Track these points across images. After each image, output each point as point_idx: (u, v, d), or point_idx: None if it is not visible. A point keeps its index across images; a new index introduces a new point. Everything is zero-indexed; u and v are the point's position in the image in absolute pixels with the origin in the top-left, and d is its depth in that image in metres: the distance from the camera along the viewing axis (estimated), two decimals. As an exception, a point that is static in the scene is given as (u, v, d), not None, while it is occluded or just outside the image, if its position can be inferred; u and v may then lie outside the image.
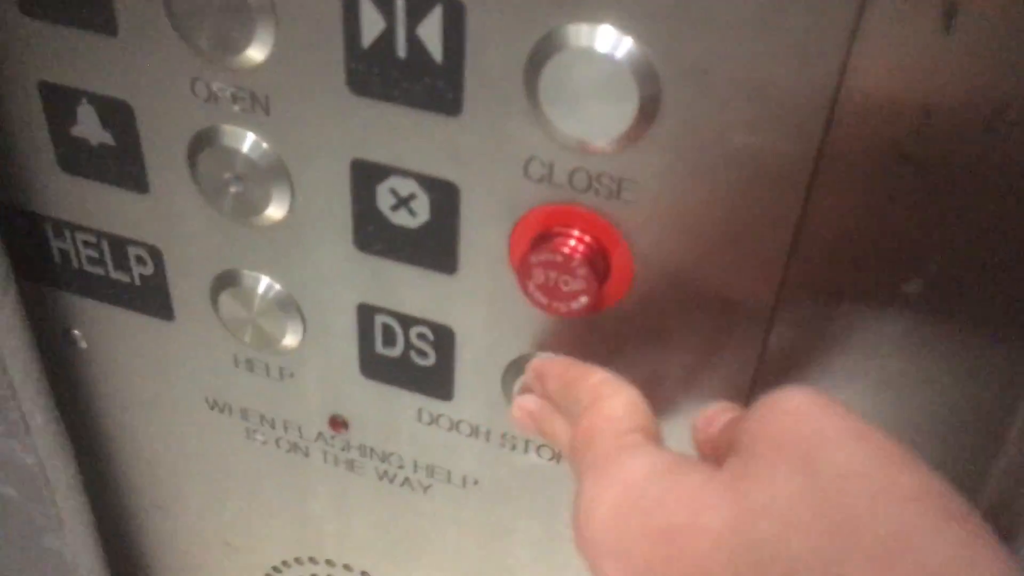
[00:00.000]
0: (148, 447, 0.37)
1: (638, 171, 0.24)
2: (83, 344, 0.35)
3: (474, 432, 0.31)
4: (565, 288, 0.25)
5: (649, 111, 0.22)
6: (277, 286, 0.30)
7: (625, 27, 0.22)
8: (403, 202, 0.26)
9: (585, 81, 0.22)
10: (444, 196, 0.26)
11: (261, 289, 0.30)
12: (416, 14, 0.23)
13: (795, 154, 0.22)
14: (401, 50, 0.24)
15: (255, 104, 0.26)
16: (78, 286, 0.33)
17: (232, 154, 0.27)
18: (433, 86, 0.24)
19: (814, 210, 0.23)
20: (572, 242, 0.25)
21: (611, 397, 0.23)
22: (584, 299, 0.25)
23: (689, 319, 0.26)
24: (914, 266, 0.23)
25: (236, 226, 0.29)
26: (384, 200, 0.27)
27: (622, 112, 0.23)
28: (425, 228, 0.27)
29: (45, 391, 0.34)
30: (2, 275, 0.31)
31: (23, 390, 0.34)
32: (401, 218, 0.27)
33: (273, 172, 0.27)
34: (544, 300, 0.25)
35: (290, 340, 0.31)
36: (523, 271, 0.25)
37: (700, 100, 0.22)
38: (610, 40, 0.22)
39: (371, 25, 0.24)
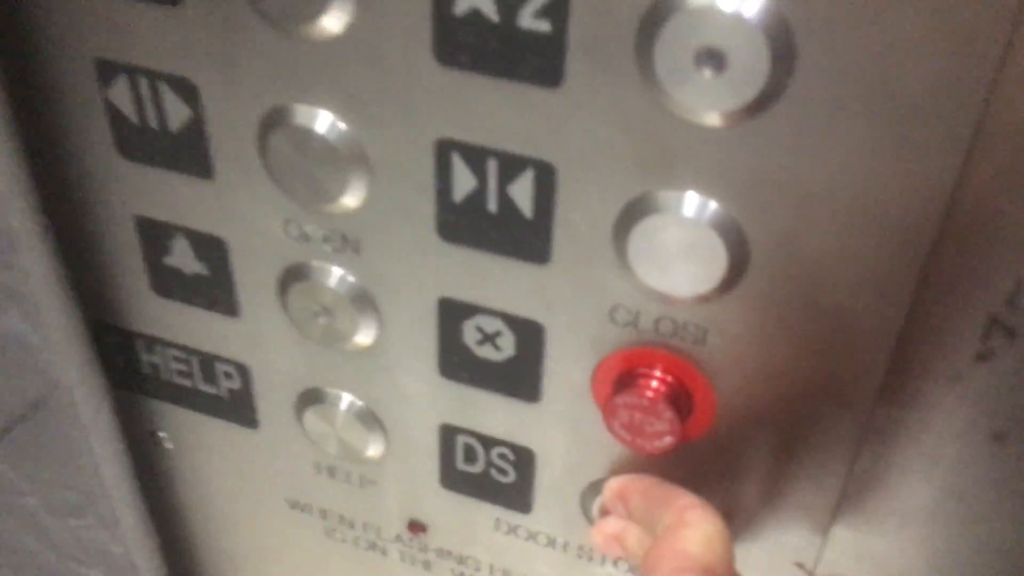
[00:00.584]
0: (229, 540, 0.38)
1: (724, 322, 0.24)
2: (169, 445, 0.36)
3: (551, 543, 0.32)
4: (649, 428, 0.26)
5: (737, 271, 0.23)
6: (361, 403, 0.31)
7: (712, 193, 0.22)
8: (489, 338, 0.27)
9: (673, 242, 0.23)
10: (529, 335, 0.27)
11: (344, 405, 0.31)
12: (508, 176, 0.24)
13: (884, 313, 0.23)
14: (492, 206, 0.25)
15: (346, 245, 0.27)
16: (166, 395, 0.34)
17: (321, 288, 0.28)
18: (522, 238, 0.25)
19: (901, 360, 0.23)
20: (655, 383, 0.26)
21: (691, 527, 0.24)
22: (668, 439, 0.26)
23: (772, 452, 0.26)
24: (1004, 428, 0.23)
25: (323, 349, 0.30)
26: (470, 335, 0.27)
27: (709, 272, 0.23)
28: (510, 362, 0.27)
29: (134, 489, 0.36)
30: (100, 389, 0.32)
31: (114, 490, 0.35)
32: (486, 352, 0.28)
33: (361, 305, 0.28)
34: (628, 438, 0.26)
35: (372, 452, 0.32)
36: (608, 411, 0.26)
37: (788, 263, 0.23)
38: (697, 205, 0.23)
39: (463, 182, 0.24)
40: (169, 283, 0.31)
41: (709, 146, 0.22)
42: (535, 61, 0.22)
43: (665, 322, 0.25)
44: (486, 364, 0.28)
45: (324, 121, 0.25)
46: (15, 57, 0.26)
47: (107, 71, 0.26)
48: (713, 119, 0.21)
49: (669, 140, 0.22)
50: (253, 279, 0.29)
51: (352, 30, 0.23)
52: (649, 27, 0.20)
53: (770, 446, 0.26)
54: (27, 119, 0.26)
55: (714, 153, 0.22)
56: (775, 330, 0.24)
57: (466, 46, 0.22)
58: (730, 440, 0.26)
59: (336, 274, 0.28)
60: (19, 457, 0.38)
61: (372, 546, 0.35)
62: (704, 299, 0.24)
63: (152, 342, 0.33)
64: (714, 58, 0.20)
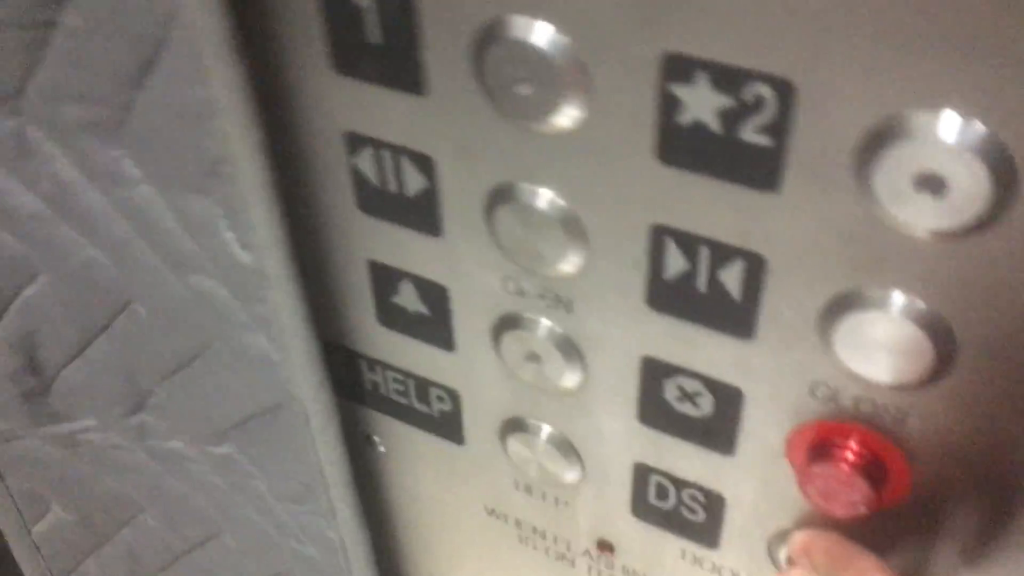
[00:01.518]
0: (429, 537, 0.42)
1: (926, 407, 0.25)
2: (382, 449, 0.40)
3: (735, 578, 0.34)
4: (843, 497, 0.27)
5: (942, 366, 0.24)
6: (560, 435, 0.33)
7: (922, 295, 0.23)
8: (688, 396, 0.29)
9: (878, 336, 0.24)
10: (728, 398, 0.28)
11: (545, 435, 0.34)
12: (719, 262, 0.25)
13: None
14: (701, 286, 0.26)
15: (559, 303, 0.29)
16: (383, 407, 0.38)
17: (532, 337, 0.31)
18: (728, 316, 0.26)
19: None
20: (851, 456, 0.27)
21: None
22: (862, 508, 0.27)
23: (965, 525, 0.27)
24: None
25: (529, 387, 0.33)
26: (670, 392, 0.29)
27: (913, 365, 0.24)
28: (707, 418, 0.29)
29: (350, 485, 0.40)
30: (328, 403, 0.36)
31: (333, 484, 0.40)
32: (685, 408, 0.29)
33: (569, 355, 0.30)
34: (822, 503, 0.27)
35: (569, 478, 0.34)
36: (803, 478, 0.27)
37: (998, 362, 0.23)
38: (905, 304, 0.23)
39: (675, 264, 0.26)
40: (393, 317, 0.34)
41: (923, 256, 0.22)
42: (753, 169, 0.23)
43: (865, 402, 0.26)
44: (684, 418, 0.30)
45: (547, 199, 0.27)
46: (274, 128, 0.29)
47: (355, 142, 0.29)
48: (929, 235, 0.22)
49: (882, 247, 0.23)
50: (470, 322, 0.32)
51: (581, 127, 0.25)
52: (869, 149, 0.21)
53: (965, 519, 0.27)
54: (280, 179, 0.30)
55: (927, 262, 0.22)
56: (979, 421, 0.25)
57: (687, 150, 0.24)
58: (924, 511, 0.27)
59: (547, 326, 0.30)
60: (251, 445, 0.43)
61: (561, 557, 0.38)
62: (906, 388, 0.25)
63: (374, 363, 0.36)
64: (934, 183, 0.21)
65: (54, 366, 0.44)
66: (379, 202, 0.30)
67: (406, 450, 0.39)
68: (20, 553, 0.53)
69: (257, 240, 0.31)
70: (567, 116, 0.25)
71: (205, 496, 0.47)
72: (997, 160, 0.20)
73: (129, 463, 0.47)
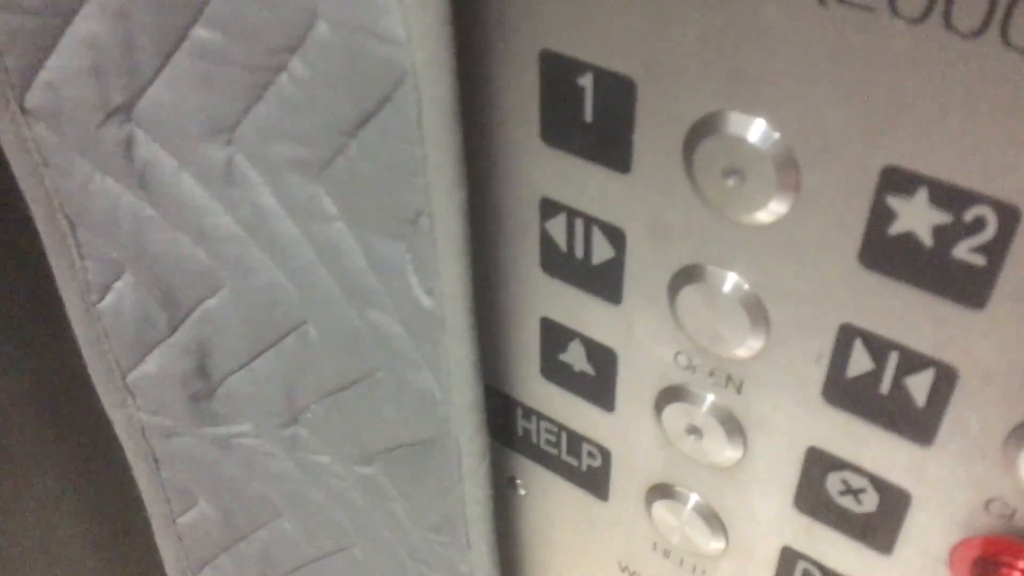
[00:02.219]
0: (559, 581, 0.43)
1: (1108, 540, 0.25)
2: (523, 492, 0.41)
3: (872, 674, 0.33)
4: (1006, 617, 0.27)
5: None
6: (709, 506, 0.34)
7: (1124, 428, 0.23)
8: (852, 491, 0.29)
9: (1071, 463, 0.24)
10: (895, 499, 0.28)
11: (692, 504, 0.34)
12: (907, 369, 0.26)
13: None
14: (884, 388, 0.26)
15: (729, 382, 0.30)
16: (531, 454, 0.39)
17: (695, 411, 0.31)
18: (908, 421, 0.26)
19: None
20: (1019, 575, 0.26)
21: None
22: (1024, 631, 0.27)
23: None
24: None
25: (683, 455, 0.33)
26: (833, 485, 0.30)
27: (1105, 498, 0.24)
28: (868, 516, 0.29)
29: (490, 523, 0.41)
30: (483, 447, 0.38)
31: (473, 521, 0.41)
32: (846, 502, 0.30)
33: (731, 433, 0.31)
34: (983, 618, 0.27)
35: (711, 549, 0.35)
36: (967, 590, 0.27)
37: None
38: (1105, 436, 0.23)
39: (860, 363, 0.26)
40: (557, 372, 0.35)
41: None
42: (961, 286, 0.23)
43: (1042, 525, 0.26)
44: (843, 511, 0.30)
45: (735, 285, 0.28)
46: (475, 184, 0.31)
47: (549, 207, 0.30)
48: None
49: (1086, 374, 0.23)
50: (634, 388, 0.33)
51: (782, 222, 0.25)
52: (1091, 283, 0.21)
53: None
54: (472, 232, 0.31)
55: None
56: None
57: (893, 259, 0.24)
58: (1088, 641, 0.27)
59: (713, 402, 0.31)
60: (397, 470, 0.44)
61: (690, 622, 0.38)
62: (1092, 518, 0.24)
63: (530, 412, 0.38)
64: None
65: (222, 373, 0.47)
66: (562, 265, 0.32)
67: (547, 497, 0.40)
68: (163, 540, 0.56)
69: (441, 288, 0.33)
70: (771, 211, 0.25)
71: (343, 510, 0.49)
72: None
73: (276, 470, 0.49)
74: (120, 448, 0.51)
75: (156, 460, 0.52)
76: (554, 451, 0.38)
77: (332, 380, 0.43)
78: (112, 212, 0.42)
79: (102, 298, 0.45)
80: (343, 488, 0.48)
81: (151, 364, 0.47)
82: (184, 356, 0.47)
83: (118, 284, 0.45)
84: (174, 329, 0.46)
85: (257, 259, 0.41)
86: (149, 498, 0.54)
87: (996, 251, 0.22)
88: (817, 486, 0.30)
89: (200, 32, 0.34)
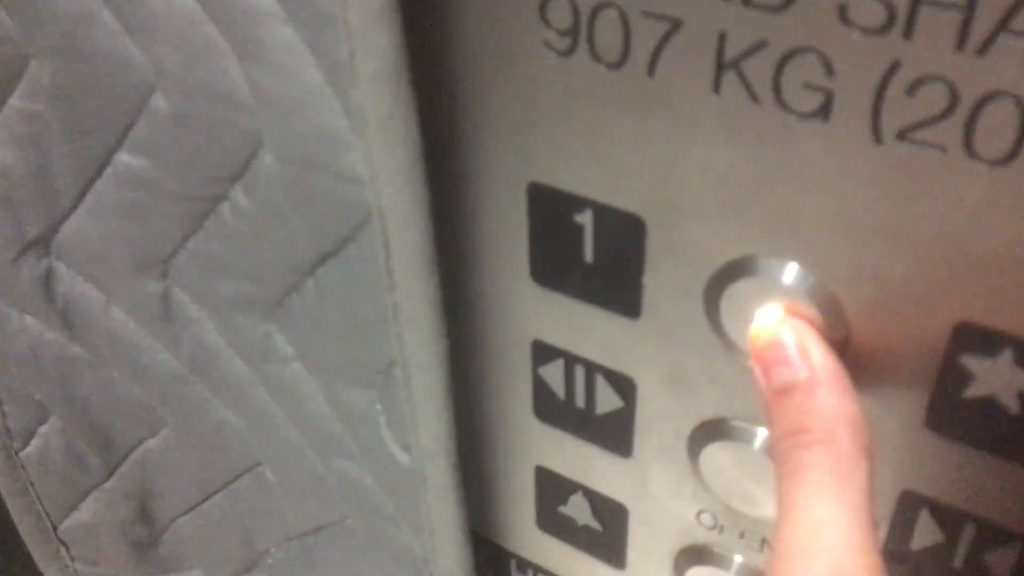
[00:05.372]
0: None
1: None
2: (519, 645, 0.36)
3: None
4: None
5: None
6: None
7: None
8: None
9: None
10: None
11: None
12: (984, 542, 0.22)
13: None
14: (958, 562, 0.22)
15: (764, 545, 0.26)
16: (528, 608, 0.35)
17: (721, 574, 0.27)
18: (983, 598, 0.23)
19: None
20: None
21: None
22: None
23: None
24: None
25: (707, 617, 0.29)
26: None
27: None
28: None
29: None
30: (470, 607, 0.33)
31: None
32: None
33: (760, 599, 0.27)
34: None
35: None
36: None
37: None
38: None
39: (927, 535, 0.23)
40: (557, 525, 0.31)
41: None
42: (1052, 457, 0.20)
43: None
44: None
45: (764, 441, 0.24)
46: (458, 327, 0.27)
47: (543, 351, 0.26)
48: None
49: None
50: (649, 546, 0.29)
51: (829, 379, 0.22)
52: None
53: None
54: (457, 379, 0.27)
55: None
56: None
57: (969, 424, 0.20)
58: None
59: (743, 565, 0.27)
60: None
61: None
62: None
63: (525, 564, 0.33)
64: None
65: (167, 517, 0.41)
66: (561, 413, 0.27)
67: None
68: None
69: (420, 444, 0.28)
70: (815, 367, 0.21)
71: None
72: None
73: (235, 620, 0.44)
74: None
75: (97, 616, 0.47)
76: (554, 607, 0.33)
77: (295, 524, 0.38)
78: (33, 352, 0.37)
79: (26, 444, 0.40)
80: (313, 637, 0.43)
81: (86, 512, 0.42)
82: (123, 501, 0.42)
83: (43, 428, 0.39)
84: (111, 473, 0.41)
85: (203, 398, 0.36)
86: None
87: (1099, 423, 0.19)
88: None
89: (125, 158, 0.29)
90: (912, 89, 0.17)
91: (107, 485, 0.41)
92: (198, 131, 0.26)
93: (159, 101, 0.27)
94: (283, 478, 0.36)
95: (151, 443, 0.39)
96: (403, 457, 0.29)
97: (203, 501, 0.40)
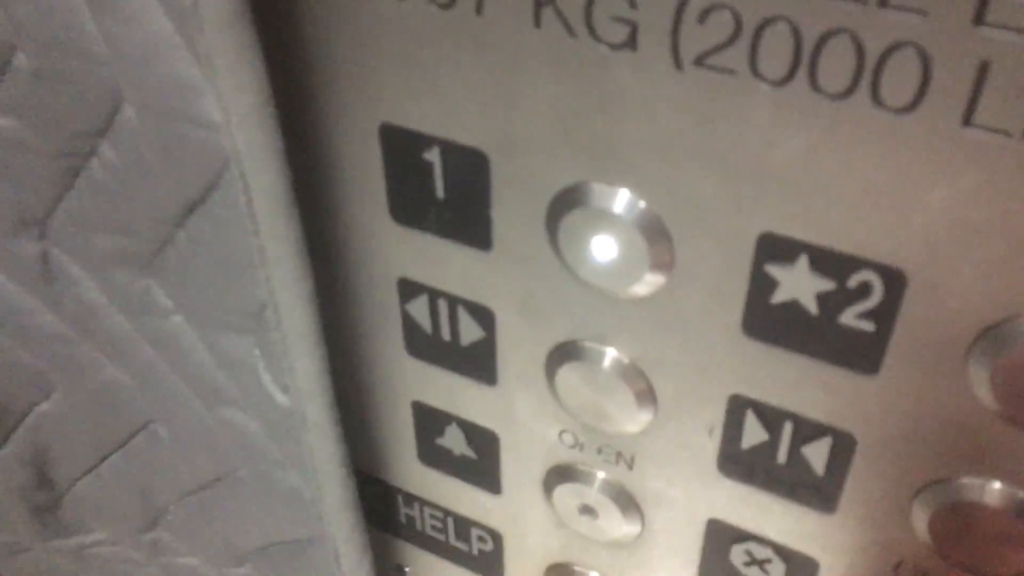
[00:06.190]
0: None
1: (1020, 596, 0.24)
2: (413, 580, 0.38)
3: None
4: None
5: (1045, 560, 0.22)
6: (610, 583, 0.32)
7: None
8: (757, 562, 0.28)
9: (969, 521, 0.23)
10: (802, 567, 0.27)
11: (593, 580, 0.32)
12: (803, 438, 0.24)
13: None
14: (781, 458, 0.25)
15: (620, 459, 0.28)
16: (417, 541, 0.36)
17: (587, 490, 0.29)
18: (808, 489, 0.25)
19: None
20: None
21: None
22: None
23: None
24: None
25: (579, 534, 0.31)
26: (737, 556, 0.28)
27: (1012, 553, 0.23)
28: (776, 585, 0.28)
29: (379, 617, 0.38)
30: (362, 544, 0.34)
31: (361, 617, 0.38)
32: (752, 572, 0.28)
33: (626, 510, 0.29)
34: None
35: (616, 627, 0.33)
36: (883, 659, 0.26)
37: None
38: (1002, 491, 0.22)
39: (754, 434, 0.25)
40: (436, 457, 0.32)
41: (1033, 452, 0.21)
42: (851, 353, 0.22)
43: (952, 585, 0.24)
44: (750, 582, 0.28)
45: (616, 360, 0.26)
46: (325, 270, 0.28)
47: (409, 289, 0.28)
48: (1045, 436, 0.20)
49: (981, 432, 0.21)
50: (520, 469, 0.30)
51: (660, 294, 0.23)
52: (976, 342, 0.20)
53: None
54: (328, 320, 0.28)
55: (1038, 459, 0.21)
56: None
57: (779, 327, 0.22)
58: None
59: (605, 480, 0.29)
60: (271, 570, 0.41)
61: None
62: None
63: (412, 499, 0.35)
64: (1057, 387, 0.19)
65: (66, 480, 0.42)
66: (430, 348, 0.29)
67: (439, 582, 0.38)
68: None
69: (297, 384, 0.29)
70: (648, 283, 0.23)
71: (219, 614, 0.44)
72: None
73: (139, 580, 0.45)
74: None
75: (0, 583, 0.47)
76: (442, 537, 0.35)
77: (190, 480, 0.39)
78: (-86, 321, 0.37)
79: (-87, 415, 0.40)
80: (217, 590, 0.44)
81: (-18, 480, 0.42)
82: (20, 467, 0.42)
83: (-69, 398, 0.39)
84: (5, 439, 0.41)
85: (90, 358, 0.36)
86: (-2, 625, 0.48)
87: (884, 316, 0.21)
88: (721, 559, 0.28)
89: (-8, 119, 0.30)
90: (703, 17, 0.19)
91: (2, 452, 0.41)
92: (60, 87, 0.27)
93: (20, 59, 0.27)
94: (175, 433, 0.37)
95: (44, 407, 0.39)
96: (282, 399, 0.30)
97: (100, 463, 0.41)
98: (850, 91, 0.18)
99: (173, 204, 0.28)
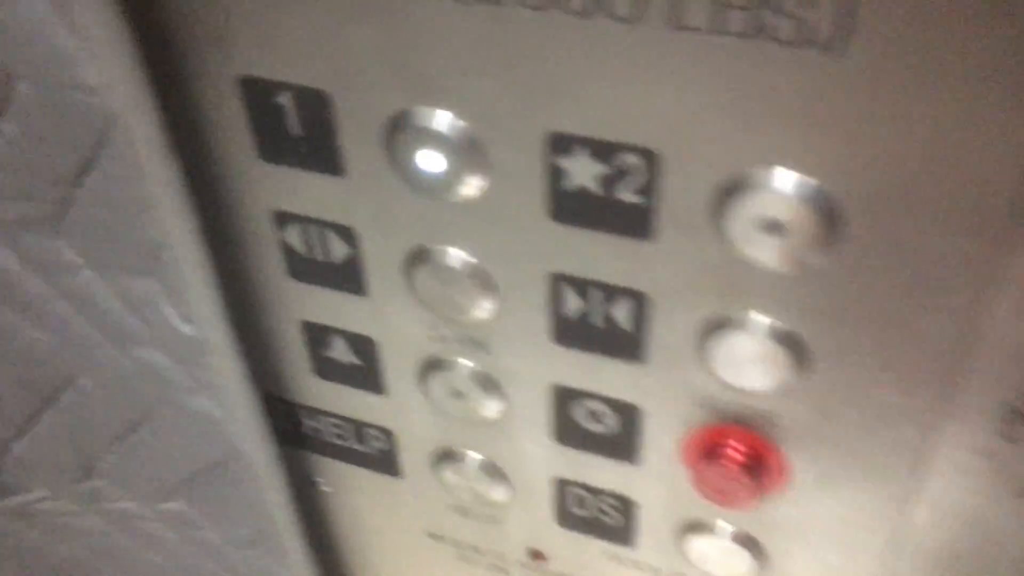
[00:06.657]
0: (377, 565, 0.46)
1: (792, 407, 0.30)
2: (327, 490, 0.43)
3: (654, 571, 0.38)
4: (732, 490, 0.32)
5: (800, 372, 0.29)
6: (487, 460, 0.37)
7: (774, 313, 0.28)
8: (595, 416, 0.33)
9: (744, 351, 0.29)
10: (628, 414, 0.33)
11: (474, 462, 0.38)
12: (610, 301, 0.30)
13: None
14: (597, 320, 0.30)
15: (477, 347, 0.33)
16: (325, 451, 0.41)
17: (454, 376, 0.34)
18: (623, 345, 0.31)
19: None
20: (734, 454, 0.31)
21: None
22: (748, 497, 0.32)
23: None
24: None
25: (456, 420, 0.36)
26: (579, 413, 0.33)
27: (776, 374, 0.29)
28: (612, 434, 0.33)
29: (299, 527, 0.43)
30: (272, 455, 0.39)
31: (283, 528, 0.43)
32: (592, 426, 0.34)
33: (489, 389, 0.34)
34: (715, 497, 0.32)
35: (498, 498, 0.38)
36: (697, 477, 0.32)
37: (844, 366, 0.28)
38: (762, 323, 0.28)
39: (573, 304, 0.30)
40: (328, 369, 0.37)
41: (774, 284, 0.27)
42: (631, 223, 0.27)
43: (742, 408, 0.30)
44: (593, 435, 0.34)
45: (459, 258, 0.31)
46: (208, 210, 0.33)
47: (283, 219, 0.33)
48: (776, 267, 0.26)
49: (740, 279, 0.27)
50: (398, 368, 0.36)
51: (484, 195, 0.29)
52: (721, 201, 0.26)
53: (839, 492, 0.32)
54: (216, 257, 0.33)
55: (778, 288, 0.27)
56: (838, 413, 0.29)
57: (575, 210, 0.28)
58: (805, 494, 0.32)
59: (468, 366, 0.34)
60: (200, 499, 0.45)
61: (498, 569, 0.42)
62: (773, 392, 0.29)
63: (313, 412, 0.40)
64: (774, 227, 0.25)
65: (1, 443, 0.46)
66: (308, 269, 0.34)
67: (350, 488, 0.43)
68: (-27, 628, 0.54)
69: (197, 313, 0.34)
70: (471, 187, 0.29)
71: (157, 551, 0.49)
72: (819, 205, 0.25)
73: (81, 528, 0.49)
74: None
75: (-52, 547, 0.50)
76: (343, 443, 0.40)
77: (117, 426, 0.43)
78: None
79: None
80: (153, 529, 0.48)
81: (-80, 451, 0.46)
82: (-45, 436, 0.45)
83: None
84: (-62, 410, 0.44)
85: (11, 322, 0.40)
86: (-51, 589, 0.52)
87: (648, 189, 0.26)
88: (567, 418, 0.34)
89: None
90: (474, -36, 0.24)
91: (-64, 422, 0.44)
92: (-41, 72, 0.31)
93: (-81, 50, 0.31)
94: (98, 383, 0.41)
95: (-29, 375, 0.43)
96: (187, 328, 0.35)
97: (31, 422, 0.44)
98: (591, 12, 0.24)
99: (70, 165, 0.32)
